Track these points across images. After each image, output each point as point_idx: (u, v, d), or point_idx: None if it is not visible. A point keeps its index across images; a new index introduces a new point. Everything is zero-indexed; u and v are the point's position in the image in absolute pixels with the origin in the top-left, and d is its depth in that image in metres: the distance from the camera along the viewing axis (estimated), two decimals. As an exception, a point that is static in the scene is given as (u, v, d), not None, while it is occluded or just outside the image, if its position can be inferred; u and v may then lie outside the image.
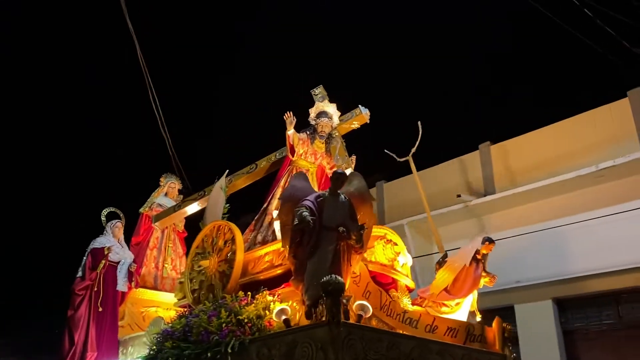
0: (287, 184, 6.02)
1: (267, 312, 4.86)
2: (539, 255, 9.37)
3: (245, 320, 4.79)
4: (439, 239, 6.97)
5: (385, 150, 7.41)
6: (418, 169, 12.44)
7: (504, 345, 5.37)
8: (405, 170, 12.38)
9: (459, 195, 10.29)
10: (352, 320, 4.35)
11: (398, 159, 7.31)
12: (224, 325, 4.85)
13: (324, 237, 4.49)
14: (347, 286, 4.60)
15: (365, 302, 4.49)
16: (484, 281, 5.84)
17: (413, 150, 7.10)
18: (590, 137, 9.44)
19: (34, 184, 18.72)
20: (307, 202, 4.53)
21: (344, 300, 4.22)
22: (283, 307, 4.68)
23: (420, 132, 6.97)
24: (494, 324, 5.44)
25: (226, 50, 19.58)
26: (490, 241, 5.88)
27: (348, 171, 6.72)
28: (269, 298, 4.99)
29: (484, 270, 5.81)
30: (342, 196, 4.72)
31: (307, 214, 4.39)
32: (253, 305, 4.91)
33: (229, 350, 4.61)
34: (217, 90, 19.74)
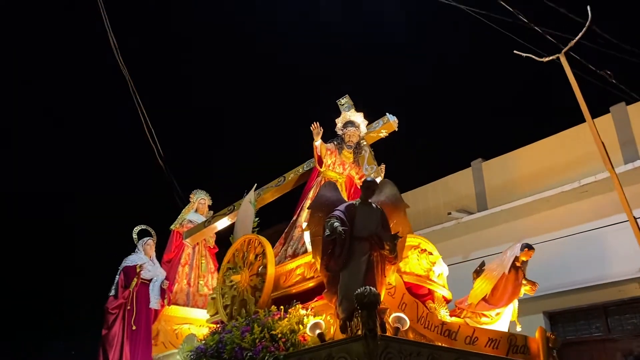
0: (315, 195, 5.91)
1: (300, 326, 4.74)
2: (529, 270, 9.61)
3: (279, 336, 4.69)
4: (622, 197, 5.80)
5: (516, 52, 6.33)
6: (410, 187, 12.66)
7: (549, 355, 5.14)
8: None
9: (449, 213, 10.64)
10: (388, 334, 4.21)
11: (538, 59, 6.17)
12: (257, 341, 4.76)
13: (356, 247, 4.36)
14: (382, 298, 4.47)
15: (402, 315, 4.34)
16: (524, 289, 5.60)
17: (571, 44, 5.95)
18: (575, 152, 9.61)
19: (61, 204, 19.17)
20: (337, 212, 4.41)
21: (380, 313, 4.08)
22: (317, 321, 4.56)
23: (588, 22, 5.78)
24: (537, 333, 5.22)
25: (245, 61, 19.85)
26: (530, 248, 5.65)
27: (379, 179, 6.61)
28: (302, 312, 4.87)
29: (524, 277, 5.58)
30: (374, 205, 4.60)
31: (338, 224, 4.27)
32: (286, 319, 4.80)
33: (264, 367, 4.51)
34: (243, 104, 20.00)
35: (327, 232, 4.29)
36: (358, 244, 4.38)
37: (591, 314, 9.02)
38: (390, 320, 4.33)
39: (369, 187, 4.60)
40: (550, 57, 6.08)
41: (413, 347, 4.14)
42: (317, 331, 4.46)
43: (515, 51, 6.37)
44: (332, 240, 4.36)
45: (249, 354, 4.70)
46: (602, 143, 5.92)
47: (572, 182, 9.12)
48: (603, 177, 8.58)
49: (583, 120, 9.67)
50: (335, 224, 4.28)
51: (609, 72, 6.47)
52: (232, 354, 4.88)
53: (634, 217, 5.83)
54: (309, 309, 4.95)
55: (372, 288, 3.90)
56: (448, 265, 5.84)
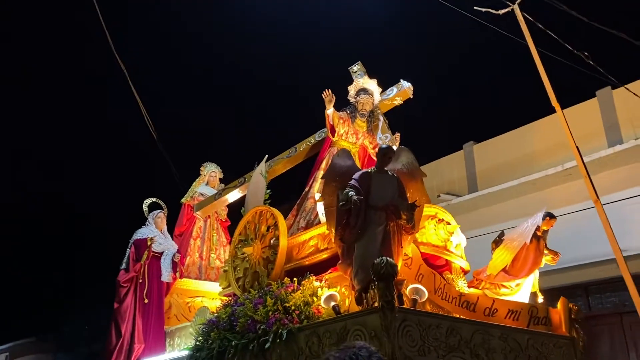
0: (328, 165, 5.72)
1: (314, 298, 4.61)
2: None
3: (293, 308, 4.56)
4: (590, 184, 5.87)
5: (476, 7, 6.40)
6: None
7: (571, 327, 5.00)
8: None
9: (438, 196, 10.94)
10: (406, 305, 4.06)
11: (495, 12, 6.23)
12: (270, 313, 4.64)
13: (372, 217, 4.19)
14: (398, 269, 4.31)
15: (420, 286, 4.19)
16: (545, 259, 5.42)
17: None
18: (562, 136, 9.66)
19: (69, 182, 19.21)
20: (352, 182, 4.23)
21: (398, 284, 3.93)
22: (332, 292, 4.42)
23: None
24: (559, 304, 5.08)
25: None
26: (552, 217, 5.47)
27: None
28: (316, 284, 4.73)
29: (546, 247, 5.39)
30: (390, 173, 4.40)
31: (353, 193, 4.09)
32: (300, 291, 4.67)
33: (277, 340, 4.40)
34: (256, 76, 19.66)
35: (342, 201, 4.12)
36: (374, 213, 4.20)
37: (574, 293, 9.25)
38: (407, 291, 4.17)
39: (385, 154, 4.39)
40: (506, 10, 6.15)
41: (432, 319, 3.99)
42: (332, 303, 4.33)
43: (475, 7, 6.39)
44: (347, 211, 4.19)
45: (262, 327, 4.59)
46: (566, 121, 6.03)
47: (556, 165, 9.35)
48: (586, 160, 8.63)
49: (572, 104, 9.82)
50: (350, 192, 4.10)
51: (585, 53, 6.37)
52: (245, 327, 4.78)
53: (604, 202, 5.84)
54: (323, 281, 4.81)
55: (389, 259, 3.74)
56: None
